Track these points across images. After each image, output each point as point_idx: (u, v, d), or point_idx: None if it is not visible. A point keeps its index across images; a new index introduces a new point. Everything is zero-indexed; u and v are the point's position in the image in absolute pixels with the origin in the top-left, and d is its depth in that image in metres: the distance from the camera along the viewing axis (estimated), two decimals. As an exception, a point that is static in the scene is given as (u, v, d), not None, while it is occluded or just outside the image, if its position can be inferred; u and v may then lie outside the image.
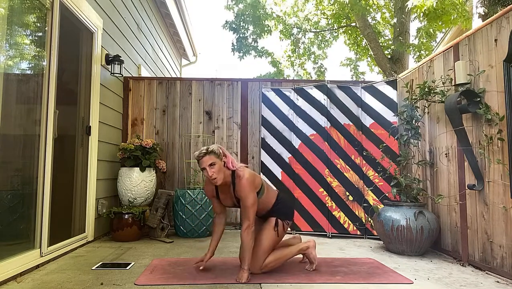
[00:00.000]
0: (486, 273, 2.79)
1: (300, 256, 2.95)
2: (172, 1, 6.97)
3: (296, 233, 4.13)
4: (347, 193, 4.28)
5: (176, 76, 9.22)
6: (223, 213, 2.81)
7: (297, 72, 11.88)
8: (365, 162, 4.28)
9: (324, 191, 4.32)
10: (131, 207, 3.94)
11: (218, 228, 2.78)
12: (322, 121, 4.46)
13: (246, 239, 2.51)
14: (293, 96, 4.67)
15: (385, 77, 8.16)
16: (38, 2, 2.87)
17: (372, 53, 8.93)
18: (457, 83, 3.17)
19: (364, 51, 10.51)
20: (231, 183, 2.60)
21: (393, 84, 4.33)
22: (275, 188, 2.88)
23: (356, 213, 4.22)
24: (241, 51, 10.14)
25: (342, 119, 4.43)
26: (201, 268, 2.68)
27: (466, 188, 3.09)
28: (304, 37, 11.29)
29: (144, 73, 5.77)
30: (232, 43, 10.21)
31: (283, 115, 4.65)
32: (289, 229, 2.92)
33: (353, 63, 11.71)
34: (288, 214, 2.77)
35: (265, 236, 2.64)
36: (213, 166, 2.49)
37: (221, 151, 2.58)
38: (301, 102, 4.61)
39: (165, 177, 4.77)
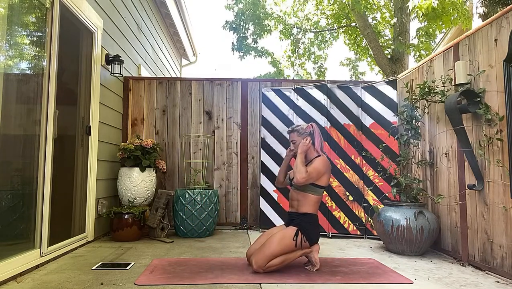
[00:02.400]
0: (486, 273, 2.79)
1: (305, 258, 2.95)
2: (172, 1, 6.97)
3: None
4: (347, 193, 4.28)
5: (176, 76, 9.22)
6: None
7: (297, 72, 11.88)
8: (365, 162, 4.28)
9: (324, 191, 4.31)
10: (131, 207, 3.94)
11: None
12: (322, 121, 4.46)
13: (300, 172, 2.72)
14: (293, 96, 4.67)
15: (385, 77, 8.16)
16: (38, 2, 2.87)
17: (372, 53, 8.93)
18: (457, 83, 3.17)
19: (364, 51, 10.51)
20: (307, 162, 2.86)
21: (393, 84, 4.33)
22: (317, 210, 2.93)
23: (356, 213, 4.21)
24: (242, 51, 10.14)
25: (342, 119, 4.43)
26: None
27: (466, 188, 3.09)
28: (304, 37, 11.29)
29: (144, 73, 5.77)
30: (233, 43, 10.22)
31: (283, 115, 4.65)
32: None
33: (353, 63, 11.71)
34: (310, 234, 2.76)
35: (280, 239, 2.66)
36: (294, 142, 2.93)
37: (306, 131, 2.91)
38: (301, 102, 4.61)
39: (165, 177, 4.77)
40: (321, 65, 11.75)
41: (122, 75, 4.42)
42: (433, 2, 5.88)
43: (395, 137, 4.04)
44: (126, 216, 3.80)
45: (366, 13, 8.62)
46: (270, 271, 2.66)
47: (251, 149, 4.85)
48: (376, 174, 4.20)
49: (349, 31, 10.53)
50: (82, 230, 3.63)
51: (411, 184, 3.70)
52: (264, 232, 3.03)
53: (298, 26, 10.97)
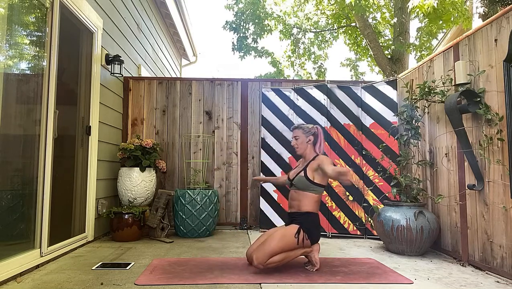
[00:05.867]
0: (486, 273, 2.79)
1: (305, 258, 2.95)
2: (172, 1, 6.97)
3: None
4: (347, 193, 4.28)
5: (176, 76, 9.22)
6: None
7: (297, 72, 11.87)
8: (365, 162, 4.28)
9: (324, 191, 4.32)
10: (131, 207, 3.94)
11: (279, 179, 3.26)
12: (322, 121, 4.46)
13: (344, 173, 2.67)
14: (293, 96, 4.67)
15: (385, 77, 8.16)
16: (38, 2, 2.87)
17: (372, 53, 8.93)
18: (457, 83, 3.17)
19: (364, 51, 10.51)
20: (308, 162, 2.88)
21: (393, 84, 4.33)
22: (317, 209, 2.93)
23: (356, 213, 4.21)
24: (242, 51, 10.15)
25: (342, 119, 4.43)
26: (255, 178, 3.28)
27: (466, 188, 3.09)
28: (304, 37, 11.29)
29: (144, 73, 5.77)
30: (233, 43, 10.23)
31: (283, 115, 4.65)
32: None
33: (353, 63, 11.71)
34: (311, 232, 2.77)
35: (282, 236, 2.67)
36: (297, 138, 2.97)
37: (310, 130, 2.96)
38: (301, 102, 4.61)
39: (165, 177, 4.77)
40: (321, 65, 11.75)
41: (122, 75, 4.42)
42: (433, 2, 5.88)
43: (395, 137, 4.04)
44: (126, 216, 3.80)
45: (366, 13, 8.63)
46: (270, 271, 2.66)
47: (251, 149, 4.85)
48: (376, 174, 4.20)
49: (349, 31, 10.53)
50: (82, 230, 3.63)
51: (411, 184, 3.70)
52: (264, 232, 3.03)
53: (298, 26, 10.97)
